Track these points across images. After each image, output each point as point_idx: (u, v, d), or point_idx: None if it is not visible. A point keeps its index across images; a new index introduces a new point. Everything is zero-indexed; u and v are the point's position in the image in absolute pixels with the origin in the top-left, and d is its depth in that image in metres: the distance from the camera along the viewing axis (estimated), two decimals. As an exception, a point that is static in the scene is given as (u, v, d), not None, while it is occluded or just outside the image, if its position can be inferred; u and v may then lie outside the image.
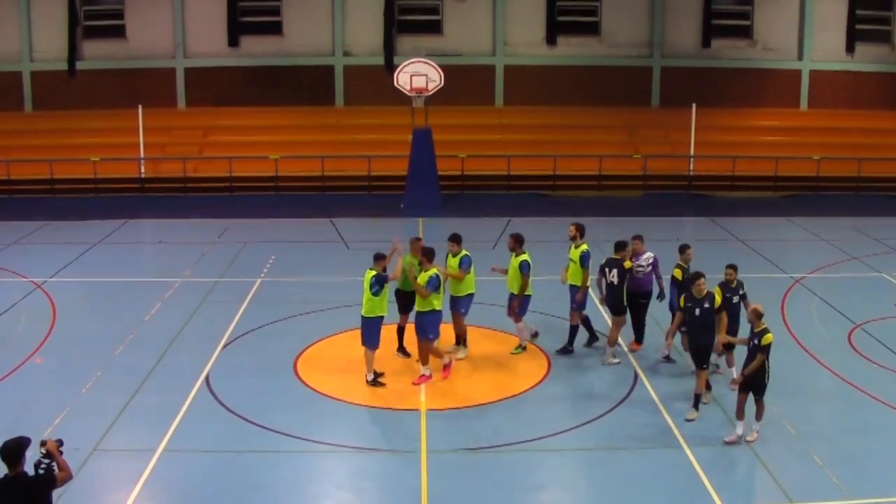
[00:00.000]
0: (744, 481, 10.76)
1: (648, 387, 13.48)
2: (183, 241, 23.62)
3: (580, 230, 14.75)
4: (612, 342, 14.42)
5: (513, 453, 11.46)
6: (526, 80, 33.76)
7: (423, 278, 13.44)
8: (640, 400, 13.03)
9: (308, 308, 17.25)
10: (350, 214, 26.61)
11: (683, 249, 14.19)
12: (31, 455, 7.79)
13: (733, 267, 13.31)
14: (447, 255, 14.52)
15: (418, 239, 14.42)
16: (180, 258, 21.45)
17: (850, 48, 34.00)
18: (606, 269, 14.39)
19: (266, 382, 13.65)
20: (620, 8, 34.14)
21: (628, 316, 14.59)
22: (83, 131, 31.28)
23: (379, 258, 13.33)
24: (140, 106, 30.17)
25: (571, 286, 14.69)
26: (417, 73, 27.22)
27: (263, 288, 18.85)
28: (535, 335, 15.18)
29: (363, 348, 13.43)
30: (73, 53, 32.92)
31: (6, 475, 7.72)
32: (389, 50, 33.09)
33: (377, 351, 13.46)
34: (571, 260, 14.69)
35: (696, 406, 12.33)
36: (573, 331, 14.78)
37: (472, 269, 14.37)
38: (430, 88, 27.22)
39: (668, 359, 14.30)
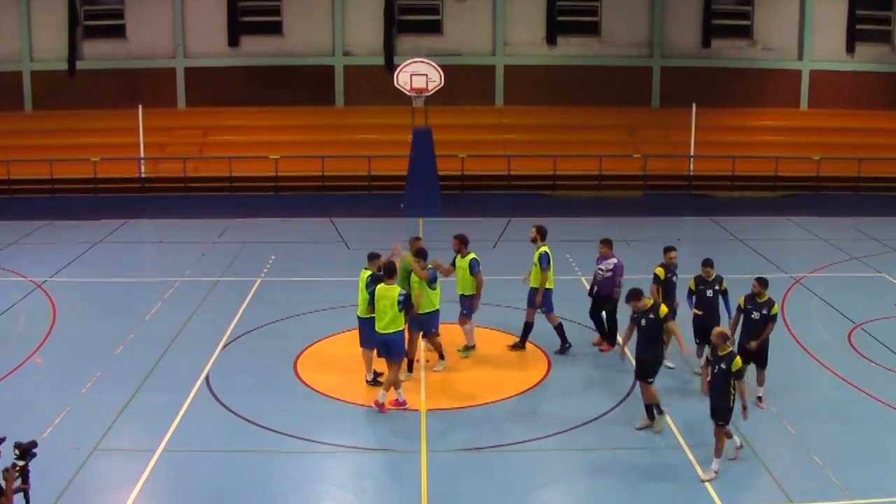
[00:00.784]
0: (744, 481, 10.74)
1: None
2: (183, 241, 23.60)
3: (540, 232, 14.68)
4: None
5: (513, 453, 11.45)
6: (526, 80, 33.75)
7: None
8: (640, 400, 12.97)
9: (308, 308, 17.24)
10: (350, 214, 26.60)
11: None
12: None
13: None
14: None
15: (418, 238, 14.43)
16: (180, 258, 21.44)
17: (850, 48, 34.01)
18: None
19: (266, 382, 13.65)
20: (620, 8, 34.13)
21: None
22: (83, 131, 31.27)
23: (373, 258, 13.31)
24: (140, 106, 30.17)
25: (531, 288, 14.65)
26: (417, 73, 27.19)
27: (263, 288, 18.85)
28: (471, 347, 14.78)
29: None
30: (73, 53, 32.93)
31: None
32: (389, 50, 33.09)
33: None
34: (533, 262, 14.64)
35: (649, 415, 11.99)
36: (559, 330, 14.80)
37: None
38: (430, 88, 27.19)
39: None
